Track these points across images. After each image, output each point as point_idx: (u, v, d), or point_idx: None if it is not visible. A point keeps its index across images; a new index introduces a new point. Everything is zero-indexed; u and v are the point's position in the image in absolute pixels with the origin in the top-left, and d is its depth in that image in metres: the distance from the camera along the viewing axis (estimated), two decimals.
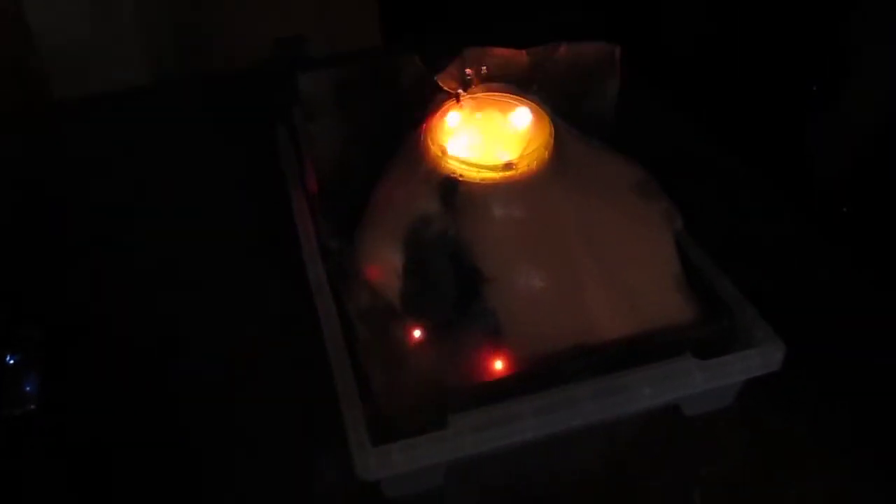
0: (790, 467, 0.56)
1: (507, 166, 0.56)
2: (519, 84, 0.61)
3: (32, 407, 0.59)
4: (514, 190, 0.56)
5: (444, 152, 0.57)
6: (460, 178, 0.56)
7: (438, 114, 0.59)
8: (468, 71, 0.60)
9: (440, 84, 0.60)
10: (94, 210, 0.77)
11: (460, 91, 0.60)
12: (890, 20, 0.66)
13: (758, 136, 0.78)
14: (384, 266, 0.58)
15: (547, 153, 0.57)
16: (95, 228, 0.75)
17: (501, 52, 0.62)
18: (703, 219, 0.63)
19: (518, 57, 0.63)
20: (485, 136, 0.59)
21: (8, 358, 0.61)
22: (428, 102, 0.60)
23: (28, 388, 0.60)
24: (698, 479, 0.55)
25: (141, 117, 0.90)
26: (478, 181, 0.56)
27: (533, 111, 0.59)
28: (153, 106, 0.93)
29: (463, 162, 0.56)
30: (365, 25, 1.11)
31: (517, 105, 0.60)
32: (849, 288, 0.68)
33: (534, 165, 0.56)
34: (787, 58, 0.75)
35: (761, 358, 0.54)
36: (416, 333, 0.57)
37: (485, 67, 0.61)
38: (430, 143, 0.58)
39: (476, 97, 0.60)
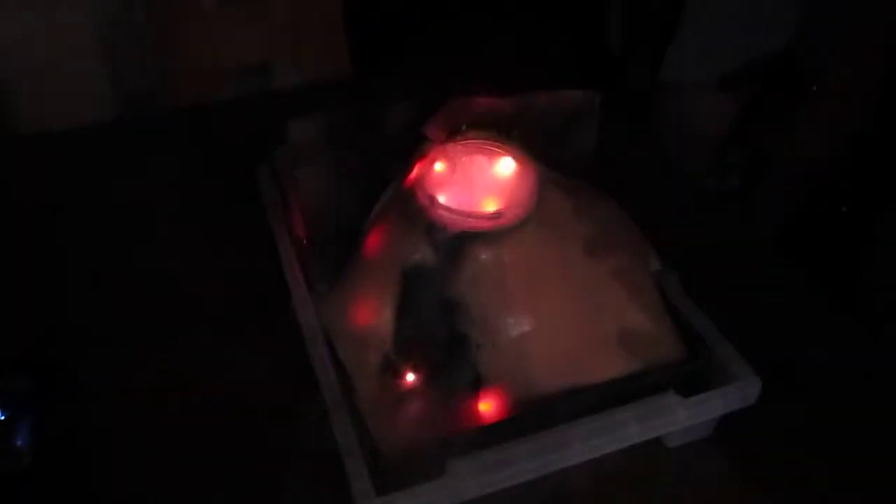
0: (768, 492, 0.59)
1: (496, 215, 0.58)
2: (501, 131, 0.63)
3: (25, 462, 0.59)
4: (502, 237, 0.58)
5: (432, 202, 0.58)
6: (450, 227, 0.58)
7: (426, 163, 0.61)
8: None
9: (427, 133, 0.62)
10: (74, 251, 0.77)
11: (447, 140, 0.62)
12: None
13: None
14: (374, 312, 0.59)
15: (532, 201, 0.59)
16: (72, 270, 0.75)
17: (485, 102, 0.64)
18: (681, 249, 0.65)
19: (501, 105, 0.65)
20: (471, 184, 0.61)
21: None
22: (414, 150, 0.62)
23: (19, 443, 0.60)
24: None
25: (111, 154, 0.90)
26: (467, 230, 0.58)
27: (517, 159, 0.61)
28: (124, 142, 0.92)
29: (452, 211, 0.58)
30: (334, 52, 1.12)
31: (502, 153, 0.62)
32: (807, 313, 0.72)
33: (520, 213, 0.58)
34: None
35: (740, 393, 0.57)
36: (409, 378, 0.58)
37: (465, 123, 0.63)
38: (418, 192, 0.59)
39: (461, 145, 0.62)
